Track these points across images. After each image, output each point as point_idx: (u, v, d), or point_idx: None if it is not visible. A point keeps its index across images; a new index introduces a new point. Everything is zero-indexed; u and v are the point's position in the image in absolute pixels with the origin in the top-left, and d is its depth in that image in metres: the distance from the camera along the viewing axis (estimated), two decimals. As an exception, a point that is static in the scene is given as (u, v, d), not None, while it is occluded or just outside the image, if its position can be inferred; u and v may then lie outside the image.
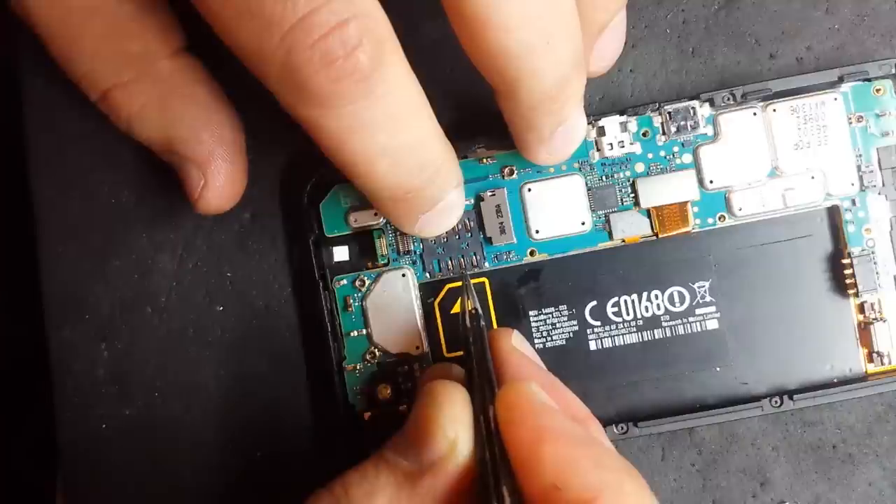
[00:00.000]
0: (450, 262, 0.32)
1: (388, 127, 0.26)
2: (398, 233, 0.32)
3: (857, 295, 0.32)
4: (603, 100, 0.33)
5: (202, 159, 0.30)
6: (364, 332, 0.32)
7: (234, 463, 0.33)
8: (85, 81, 0.30)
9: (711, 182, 0.32)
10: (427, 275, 0.32)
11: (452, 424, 0.25)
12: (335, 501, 0.26)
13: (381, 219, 0.32)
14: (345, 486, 0.26)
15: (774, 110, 0.32)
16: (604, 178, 0.32)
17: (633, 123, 0.32)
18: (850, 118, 0.32)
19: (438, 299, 0.32)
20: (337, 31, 0.24)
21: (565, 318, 0.32)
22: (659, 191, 0.32)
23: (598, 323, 0.32)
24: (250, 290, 0.33)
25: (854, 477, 0.33)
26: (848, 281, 0.32)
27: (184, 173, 0.30)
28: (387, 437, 0.31)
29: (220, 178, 0.30)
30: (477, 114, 0.32)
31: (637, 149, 0.32)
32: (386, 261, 0.32)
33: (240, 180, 0.31)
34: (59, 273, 0.33)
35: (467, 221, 0.32)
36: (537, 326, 0.32)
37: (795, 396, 0.31)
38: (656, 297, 0.32)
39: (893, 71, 0.31)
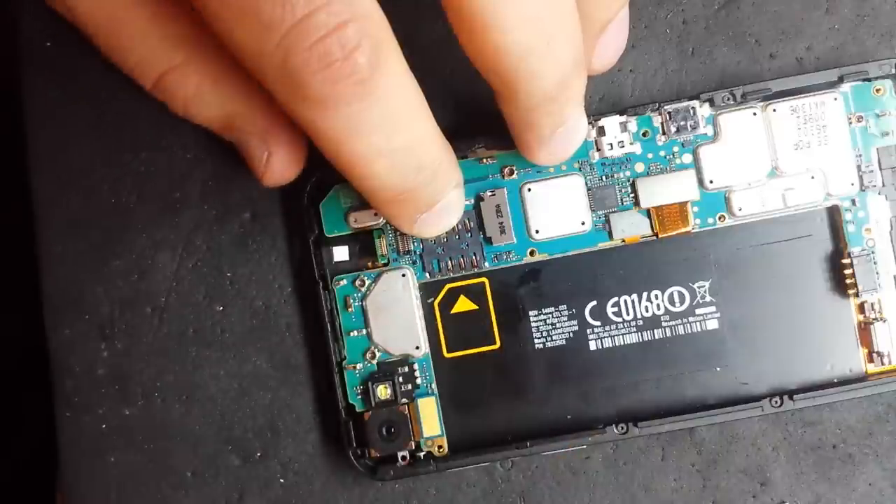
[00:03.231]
0: (450, 262, 0.32)
1: (386, 128, 0.26)
2: (398, 233, 0.32)
3: (857, 295, 0.32)
4: (603, 100, 0.33)
5: (264, 131, 0.30)
6: (364, 331, 0.32)
7: (234, 463, 0.33)
8: (137, 70, 0.29)
9: (711, 182, 0.32)
10: (427, 275, 0.32)
11: None
12: None
13: (381, 219, 0.32)
14: None
15: (774, 110, 0.32)
16: (604, 178, 0.32)
17: (633, 123, 0.32)
18: (850, 118, 0.32)
19: (438, 299, 0.32)
20: (335, 32, 0.23)
21: (565, 318, 0.32)
22: (659, 191, 0.32)
23: (598, 323, 0.32)
24: (250, 290, 0.33)
25: (854, 477, 0.33)
26: (848, 281, 0.32)
27: (248, 148, 0.30)
28: (386, 436, 0.32)
29: (283, 148, 0.30)
30: (477, 114, 0.32)
31: (637, 149, 0.32)
32: (386, 261, 0.32)
33: (301, 148, 0.31)
34: (58, 272, 0.33)
35: (467, 221, 0.32)
36: (537, 326, 0.32)
37: (795, 396, 0.31)
38: (656, 297, 0.32)
39: (893, 71, 0.31)
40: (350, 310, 0.32)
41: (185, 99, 0.29)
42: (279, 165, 0.30)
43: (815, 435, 0.33)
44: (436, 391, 0.32)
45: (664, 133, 0.32)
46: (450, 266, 0.32)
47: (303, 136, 0.30)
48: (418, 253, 0.32)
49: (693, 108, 0.32)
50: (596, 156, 0.32)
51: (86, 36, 0.30)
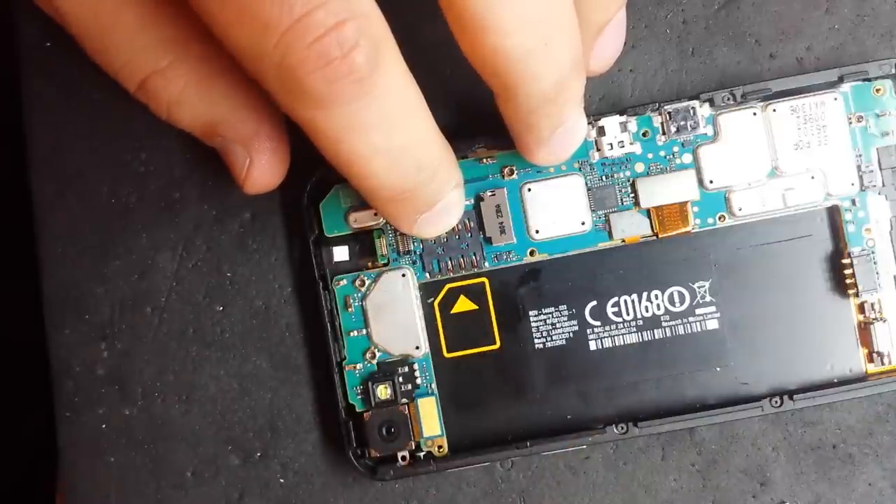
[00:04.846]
0: (450, 262, 0.32)
1: (385, 127, 0.26)
2: (398, 233, 0.32)
3: (857, 295, 0.32)
4: (603, 100, 0.33)
5: (246, 138, 0.30)
6: (364, 331, 0.32)
7: (234, 463, 0.33)
8: (122, 72, 0.29)
9: (711, 182, 0.32)
10: (427, 275, 0.32)
11: None
12: None
13: (381, 219, 0.32)
14: None
15: (774, 110, 0.32)
16: (604, 178, 0.32)
17: (633, 123, 0.32)
18: (850, 118, 0.32)
19: (438, 299, 0.32)
20: (334, 31, 0.23)
21: (565, 318, 0.32)
22: (659, 191, 0.32)
23: (598, 323, 0.32)
24: (250, 290, 0.33)
25: (854, 477, 0.33)
26: (848, 281, 0.32)
27: (229, 155, 0.30)
28: (386, 436, 0.32)
29: (265, 155, 0.30)
30: (477, 114, 0.32)
31: (637, 149, 0.32)
32: (386, 261, 0.32)
33: (284, 157, 0.31)
34: (58, 272, 0.33)
35: (467, 221, 0.32)
36: (537, 326, 0.32)
37: (795, 396, 0.31)
38: (656, 297, 0.32)
39: (893, 71, 0.31)
40: (350, 310, 0.32)
41: (168, 103, 0.29)
42: (260, 173, 0.30)
43: (815, 435, 0.33)
44: (436, 391, 0.32)
45: (664, 133, 0.32)
46: (450, 266, 0.32)
47: (286, 145, 0.31)
48: (418, 253, 0.32)
49: (693, 108, 0.32)
50: (596, 156, 0.32)
51: (72, 36, 0.29)
